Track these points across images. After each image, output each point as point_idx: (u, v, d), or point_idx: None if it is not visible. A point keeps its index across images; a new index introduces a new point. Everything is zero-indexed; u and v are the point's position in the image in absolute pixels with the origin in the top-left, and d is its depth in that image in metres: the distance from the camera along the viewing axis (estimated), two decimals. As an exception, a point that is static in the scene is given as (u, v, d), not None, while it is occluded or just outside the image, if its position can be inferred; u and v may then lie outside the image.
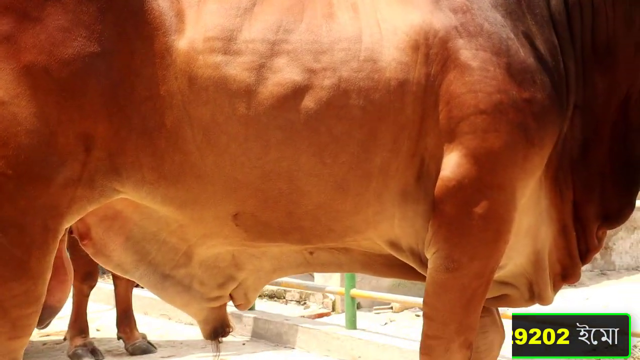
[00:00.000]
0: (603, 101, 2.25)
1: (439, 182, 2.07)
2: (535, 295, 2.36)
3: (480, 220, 2.07)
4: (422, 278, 2.25)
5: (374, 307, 5.81)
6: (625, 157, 2.30)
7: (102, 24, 1.94)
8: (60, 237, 1.99)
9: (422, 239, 2.16)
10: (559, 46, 2.18)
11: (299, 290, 6.02)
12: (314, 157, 2.01)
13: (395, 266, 2.34)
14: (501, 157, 2.05)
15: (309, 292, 5.98)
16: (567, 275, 2.35)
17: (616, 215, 2.32)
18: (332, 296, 5.77)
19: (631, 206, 2.33)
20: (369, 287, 5.29)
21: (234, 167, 2.00)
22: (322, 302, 6.03)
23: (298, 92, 1.98)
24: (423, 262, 2.20)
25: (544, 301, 2.37)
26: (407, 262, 2.25)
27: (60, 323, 4.89)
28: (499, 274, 2.30)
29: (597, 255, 10.19)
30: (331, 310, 5.85)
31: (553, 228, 2.29)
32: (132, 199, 2.06)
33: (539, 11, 2.17)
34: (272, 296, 6.42)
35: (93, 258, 2.24)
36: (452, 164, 2.05)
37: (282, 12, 2.03)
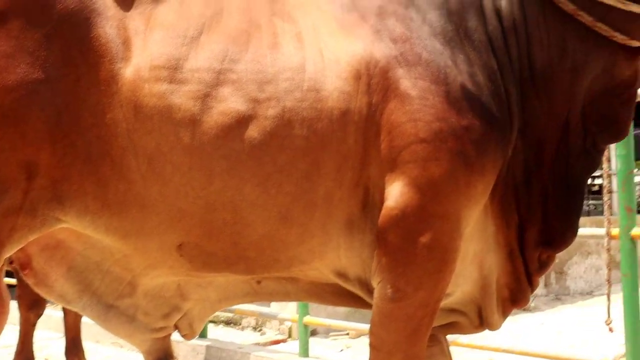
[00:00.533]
0: (543, 126, 2.27)
1: (382, 212, 2.08)
2: (484, 321, 2.37)
3: (424, 250, 2.08)
4: (370, 307, 2.25)
5: (331, 334, 5.79)
6: (566, 182, 2.32)
7: (47, 51, 1.93)
8: (-1, 266, 1.96)
9: (369, 268, 2.16)
10: (498, 71, 2.20)
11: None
12: (258, 187, 2.01)
13: (344, 295, 2.33)
14: (443, 185, 2.07)
15: (265, 318, 5.95)
16: (515, 299, 2.36)
17: (559, 240, 2.34)
18: (288, 322, 5.75)
19: (573, 231, 2.35)
20: (325, 313, 5.28)
21: (178, 197, 1.99)
22: (279, 329, 6.00)
23: (242, 121, 1.98)
24: (370, 292, 2.20)
25: (492, 327, 2.38)
26: (355, 291, 2.25)
27: (5, 352, 4.78)
28: (446, 302, 2.31)
29: (552, 280, 10.32)
30: (287, 336, 5.82)
31: (500, 253, 2.30)
32: (75, 228, 2.03)
33: (477, 37, 2.20)
34: (228, 322, 6.37)
35: (34, 288, 2.20)
36: (395, 193, 2.06)
37: (228, 42, 2.03)
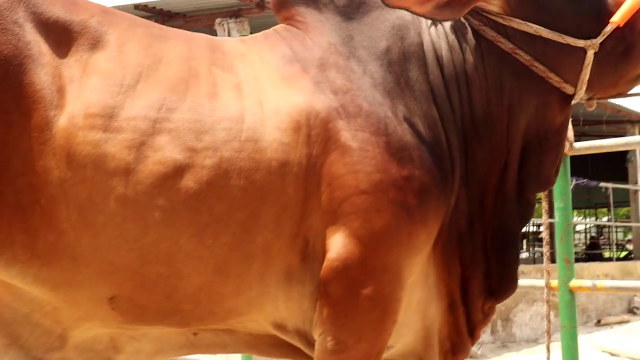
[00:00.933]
0: (485, 172, 2.28)
1: (324, 264, 2.06)
2: None
3: (366, 302, 2.06)
4: (310, 359, 2.22)
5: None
6: (504, 231, 2.33)
7: None
8: None
9: (310, 319, 2.13)
10: (439, 120, 2.22)
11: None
12: (194, 238, 1.97)
13: (283, 347, 2.30)
14: (384, 236, 2.06)
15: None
16: (456, 351, 2.35)
17: (499, 290, 2.34)
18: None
19: (514, 281, 2.35)
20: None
21: (110, 248, 1.94)
22: (223, 379, 5.88)
23: (178, 171, 1.95)
24: (310, 343, 2.17)
25: None
26: (294, 343, 2.22)
27: None
28: (388, 354, 2.29)
29: (499, 327, 10.40)
30: (231, 387, 5.71)
31: (442, 304, 2.29)
32: (3, 279, 1.96)
33: (418, 86, 2.22)
34: (171, 372, 6.21)
35: None
36: (336, 245, 2.05)
37: (165, 91, 2.02)
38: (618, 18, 2.20)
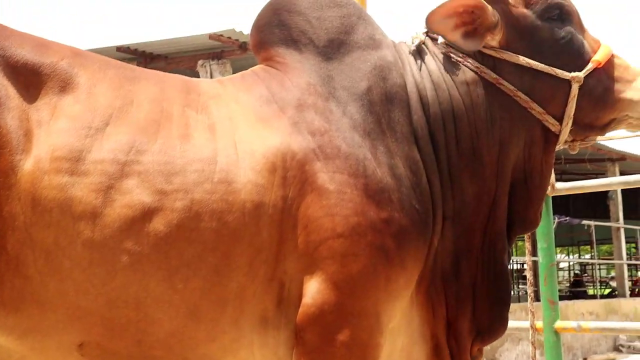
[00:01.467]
0: (473, 209, 2.24)
1: (300, 309, 2.00)
2: None
3: (343, 348, 2.00)
4: None
5: None
6: (494, 268, 2.28)
7: None
8: None
9: None
10: (422, 161, 2.18)
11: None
12: (164, 282, 1.91)
13: None
14: (361, 281, 2.01)
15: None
16: None
17: (488, 331, 2.28)
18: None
19: (503, 321, 2.30)
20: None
21: (78, 293, 1.88)
22: None
23: (147, 214, 1.89)
24: None
25: None
26: None
27: None
28: None
29: (485, 367, 10.32)
30: None
31: (426, 347, 2.23)
32: None
33: (399, 128, 2.19)
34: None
35: None
36: (312, 289, 1.99)
37: (135, 133, 1.97)
38: (599, 57, 2.33)
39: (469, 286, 2.25)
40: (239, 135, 2.06)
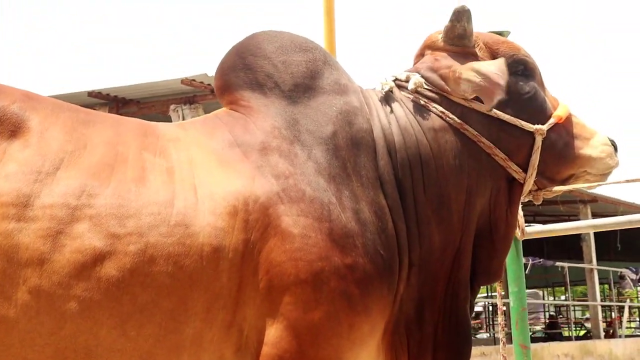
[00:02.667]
0: (439, 256, 2.22)
1: (260, 358, 1.94)
2: None
3: None
4: None
5: None
6: (455, 318, 2.25)
7: None
8: None
9: None
10: (387, 206, 2.16)
11: None
12: (116, 329, 1.83)
13: None
14: (324, 328, 1.95)
15: None
16: None
17: None
18: None
19: None
20: None
21: (24, 345, 1.80)
22: None
23: (99, 259, 1.83)
24: None
25: None
26: None
27: None
28: None
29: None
30: None
31: None
32: None
33: (365, 173, 2.17)
34: None
35: None
36: (273, 337, 1.94)
37: (87, 177, 1.91)
38: (560, 113, 2.42)
39: (431, 335, 2.22)
40: (199, 179, 2.02)
